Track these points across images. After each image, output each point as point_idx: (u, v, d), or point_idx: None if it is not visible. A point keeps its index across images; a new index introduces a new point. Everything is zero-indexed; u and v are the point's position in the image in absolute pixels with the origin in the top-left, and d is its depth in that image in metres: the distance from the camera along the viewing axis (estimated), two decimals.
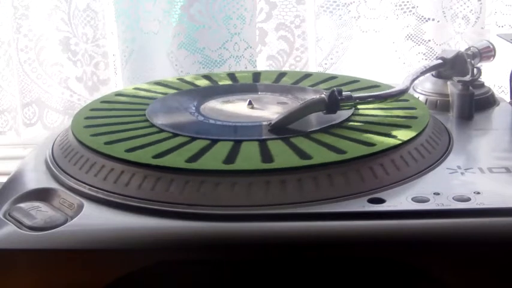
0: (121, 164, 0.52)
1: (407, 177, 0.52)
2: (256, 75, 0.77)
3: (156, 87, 0.73)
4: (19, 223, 0.49)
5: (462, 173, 0.53)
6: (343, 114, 0.61)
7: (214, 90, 0.71)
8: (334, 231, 0.46)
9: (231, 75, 0.77)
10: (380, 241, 0.46)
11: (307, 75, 0.76)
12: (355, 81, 0.73)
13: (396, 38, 0.93)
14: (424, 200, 0.48)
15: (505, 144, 0.60)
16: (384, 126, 0.59)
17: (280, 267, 0.46)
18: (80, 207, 0.50)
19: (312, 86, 0.72)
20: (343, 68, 0.95)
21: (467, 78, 0.68)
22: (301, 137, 0.56)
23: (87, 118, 0.63)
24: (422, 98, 0.70)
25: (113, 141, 0.56)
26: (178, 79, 0.76)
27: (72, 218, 0.49)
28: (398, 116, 0.62)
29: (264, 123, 0.60)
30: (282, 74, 0.77)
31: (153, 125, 0.60)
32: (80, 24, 0.93)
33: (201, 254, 0.46)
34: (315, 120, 0.60)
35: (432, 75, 0.73)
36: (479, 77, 0.70)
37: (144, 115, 0.63)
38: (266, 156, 0.52)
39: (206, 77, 0.77)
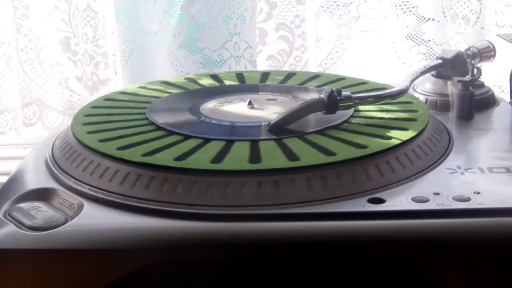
0: (121, 164, 0.52)
1: (407, 177, 0.52)
2: (265, 75, 0.77)
3: (160, 86, 0.73)
4: (19, 223, 0.49)
5: (462, 173, 0.53)
6: (343, 114, 0.61)
7: (215, 91, 0.71)
8: (334, 231, 0.46)
9: (239, 75, 0.77)
10: (380, 241, 0.46)
11: (315, 76, 0.76)
12: (341, 79, 0.74)
13: (396, 38, 0.93)
14: (424, 200, 0.48)
15: (505, 144, 0.60)
16: (384, 126, 0.59)
17: (280, 267, 0.46)
18: (80, 207, 0.50)
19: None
20: (343, 68, 0.95)
21: (467, 78, 0.68)
22: (296, 138, 0.56)
23: (87, 118, 0.63)
24: (422, 98, 0.70)
25: (113, 141, 0.56)
26: (185, 78, 0.76)
27: (72, 218, 0.49)
28: (398, 116, 0.62)
29: (263, 123, 0.60)
30: (290, 74, 0.77)
31: (153, 125, 0.60)
32: (80, 24, 0.93)
33: (201, 254, 0.46)
34: (313, 121, 0.60)
35: (432, 75, 0.73)
36: (479, 77, 0.70)
37: (144, 115, 0.63)
38: (255, 157, 0.53)
39: (214, 76, 0.77)
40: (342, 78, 0.75)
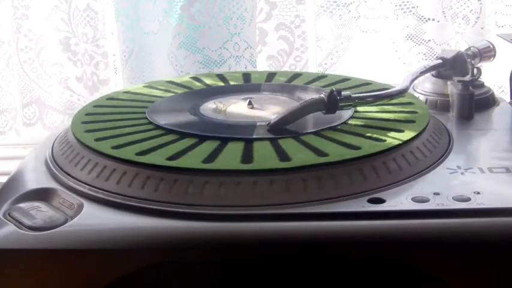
0: (121, 164, 0.52)
1: (407, 177, 0.52)
2: (246, 76, 0.77)
3: (147, 90, 0.73)
4: (19, 223, 0.49)
5: (462, 173, 0.53)
6: (342, 114, 0.61)
7: (214, 91, 0.71)
8: (334, 231, 0.46)
9: (220, 76, 0.77)
10: (380, 241, 0.46)
11: (321, 77, 0.76)
12: (346, 79, 0.73)
13: (396, 38, 0.93)
14: (424, 200, 0.48)
15: (505, 144, 0.60)
16: (384, 126, 0.59)
17: (280, 267, 0.46)
18: (80, 207, 0.50)
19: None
20: (343, 68, 0.95)
21: (467, 78, 0.68)
22: (296, 139, 0.56)
23: (87, 118, 0.63)
24: (422, 98, 0.70)
25: (112, 141, 0.56)
26: (167, 81, 0.76)
27: (72, 218, 0.49)
28: (398, 116, 0.62)
29: (262, 123, 0.60)
30: (271, 74, 0.77)
31: (151, 124, 0.60)
32: (80, 24, 0.93)
33: (201, 254, 0.46)
34: (313, 120, 0.60)
35: (432, 75, 0.73)
36: (479, 77, 0.70)
37: (144, 115, 0.63)
38: (248, 156, 0.52)
39: (195, 78, 0.77)
40: (347, 79, 0.75)
